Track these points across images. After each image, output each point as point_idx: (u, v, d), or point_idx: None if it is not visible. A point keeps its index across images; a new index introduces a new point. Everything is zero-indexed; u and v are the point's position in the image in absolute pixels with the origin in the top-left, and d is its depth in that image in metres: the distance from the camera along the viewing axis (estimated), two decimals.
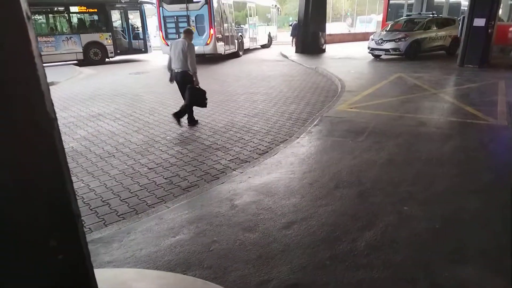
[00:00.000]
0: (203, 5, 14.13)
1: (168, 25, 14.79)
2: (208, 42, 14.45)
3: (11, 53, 0.48)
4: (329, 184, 3.60)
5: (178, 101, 7.75)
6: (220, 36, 15.07)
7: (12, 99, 0.47)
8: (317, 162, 4.19)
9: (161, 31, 14.86)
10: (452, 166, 4.01)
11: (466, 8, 12.13)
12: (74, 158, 4.60)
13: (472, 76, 9.74)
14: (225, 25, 15.55)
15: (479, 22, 10.95)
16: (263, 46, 21.94)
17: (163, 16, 14.68)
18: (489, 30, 11.00)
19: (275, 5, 25.24)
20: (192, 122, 5.96)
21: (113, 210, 3.33)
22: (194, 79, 5.63)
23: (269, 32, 22.77)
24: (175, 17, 14.52)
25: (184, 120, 5.87)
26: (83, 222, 3.12)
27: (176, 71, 5.69)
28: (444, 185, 3.54)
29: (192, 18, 14.41)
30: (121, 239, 2.74)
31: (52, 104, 0.52)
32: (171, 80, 5.90)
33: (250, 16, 19.48)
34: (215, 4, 14.36)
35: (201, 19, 14.35)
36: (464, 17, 11.38)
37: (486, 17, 10.86)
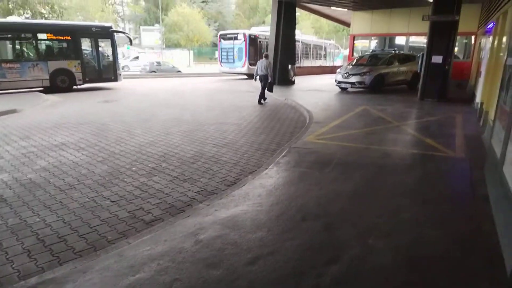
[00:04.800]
0: (242, 41, 22.39)
1: (222, 53, 23.47)
2: (243, 65, 22.56)
3: None
4: (296, 216, 3.59)
5: (145, 131, 7.65)
6: (253, 62, 20.98)
7: None
8: (285, 193, 4.19)
9: (219, 57, 23.95)
10: (414, 197, 4.12)
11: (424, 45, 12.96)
12: (32, 190, 4.36)
13: (431, 109, 10.28)
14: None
15: (437, 59, 11.73)
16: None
17: (221, 48, 23.55)
18: (446, 67, 11.78)
19: (334, 45, 35.40)
20: (264, 98, 12.21)
21: (70, 247, 3.14)
22: (270, 77, 11.84)
23: (320, 65, 31.09)
24: (227, 49, 23.12)
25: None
26: (35, 261, 2.92)
27: (261, 74, 11.84)
28: (407, 216, 3.61)
29: (236, 49, 22.57)
30: (76, 279, 2.57)
31: None
32: (255, 79, 12.24)
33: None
34: (251, 41, 22.44)
35: (241, 50, 22.47)
36: (423, 54, 12.15)
37: (443, 54, 11.65)
